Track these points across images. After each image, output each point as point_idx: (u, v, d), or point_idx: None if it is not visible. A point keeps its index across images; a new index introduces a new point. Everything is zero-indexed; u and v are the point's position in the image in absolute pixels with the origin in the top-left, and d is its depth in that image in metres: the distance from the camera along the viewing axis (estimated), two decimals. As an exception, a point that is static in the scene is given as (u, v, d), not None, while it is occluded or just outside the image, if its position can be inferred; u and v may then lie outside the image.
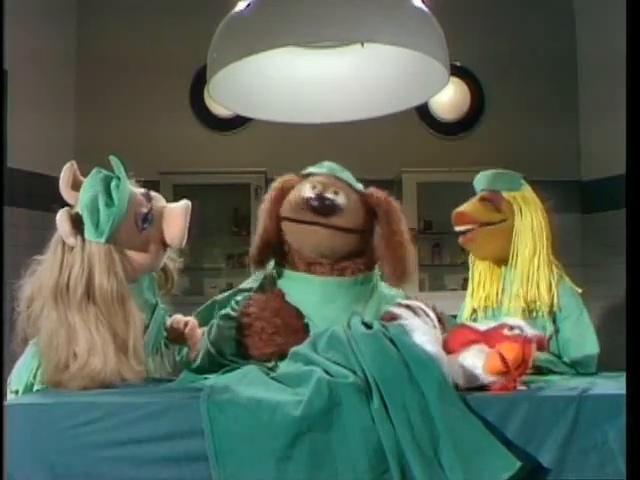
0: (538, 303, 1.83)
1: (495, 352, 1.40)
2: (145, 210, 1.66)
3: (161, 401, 1.41)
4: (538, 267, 1.86)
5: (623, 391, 1.39)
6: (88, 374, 1.53)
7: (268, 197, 1.95)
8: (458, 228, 1.98)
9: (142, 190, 1.72)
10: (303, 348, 1.59)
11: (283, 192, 1.93)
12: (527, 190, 1.99)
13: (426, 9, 2.11)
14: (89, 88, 5.25)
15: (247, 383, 1.48)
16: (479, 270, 2.01)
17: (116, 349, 1.54)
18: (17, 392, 1.67)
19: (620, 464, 1.32)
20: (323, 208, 1.82)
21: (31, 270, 1.61)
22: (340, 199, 1.85)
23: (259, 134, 4.98)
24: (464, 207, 2.01)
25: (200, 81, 4.51)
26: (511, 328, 1.46)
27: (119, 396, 1.46)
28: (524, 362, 1.42)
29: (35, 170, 4.38)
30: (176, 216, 1.71)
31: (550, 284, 1.85)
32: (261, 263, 1.96)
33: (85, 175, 1.67)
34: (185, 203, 1.73)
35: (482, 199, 1.98)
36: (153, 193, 1.74)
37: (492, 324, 1.53)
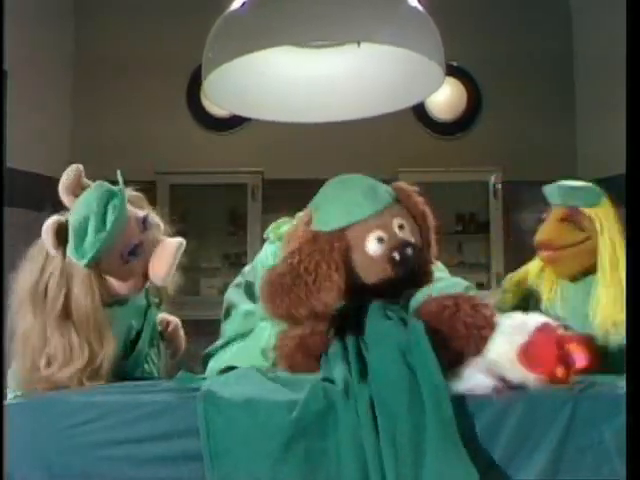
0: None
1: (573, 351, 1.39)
2: (135, 242, 1.59)
3: (159, 400, 1.41)
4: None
5: (620, 391, 1.39)
6: (55, 381, 1.52)
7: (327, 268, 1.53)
8: (544, 253, 1.89)
9: (141, 215, 1.63)
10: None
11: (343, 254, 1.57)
12: (607, 204, 1.88)
13: (422, 9, 2.11)
14: (86, 88, 5.26)
15: (244, 384, 1.47)
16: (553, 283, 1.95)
17: (87, 363, 1.53)
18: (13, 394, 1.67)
19: (616, 464, 1.32)
20: (406, 258, 1.57)
21: (19, 268, 1.60)
22: (407, 233, 1.62)
23: (256, 134, 4.98)
24: (546, 232, 1.88)
25: (197, 81, 4.51)
26: (564, 327, 1.45)
27: (117, 395, 1.46)
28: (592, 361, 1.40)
29: (32, 170, 4.38)
30: (166, 255, 1.62)
31: None
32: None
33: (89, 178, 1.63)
34: (178, 241, 1.64)
35: (562, 219, 1.86)
36: (152, 220, 1.66)
37: (531, 319, 1.48)
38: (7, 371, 1.72)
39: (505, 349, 1.41)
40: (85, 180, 1.62)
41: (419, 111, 5.26)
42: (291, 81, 2.42)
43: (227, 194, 5.06)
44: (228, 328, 2.02)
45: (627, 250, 1.73)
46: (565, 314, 1.86)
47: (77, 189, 1.60)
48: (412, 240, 1.61)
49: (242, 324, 1.99)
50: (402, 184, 1.72)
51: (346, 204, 1.61)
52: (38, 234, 1.60)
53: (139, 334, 1.74)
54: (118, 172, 1.60)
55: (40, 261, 1.56)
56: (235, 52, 2.05)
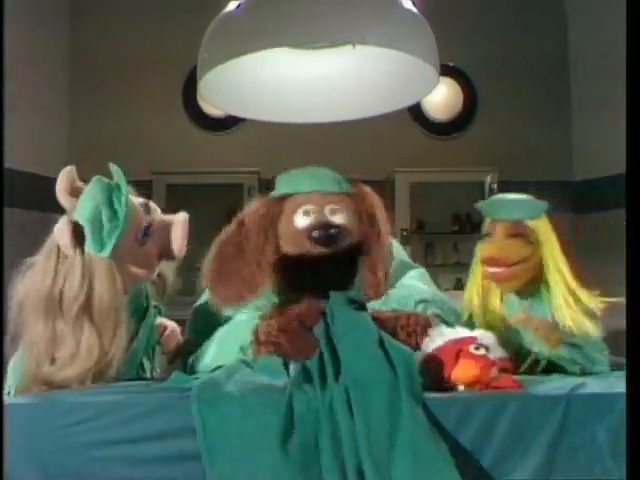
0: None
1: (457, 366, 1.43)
2: (145, 224, 1.65)
3: (154, 400, 1.41)
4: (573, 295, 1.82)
5: (612, 390, 1.40)
6: (57, 381, 1.53)
7: (254, 227, 1.72)
8: (490, 270, 1.84)
9: (141, 200, 1.70)
10: None
11: (272, 220, 1.73)
12: (543, 216, 1.86)
13: (416, 11, 2.12)
14: (83, 88, 5.26)
15: (237, 380, 1.48)
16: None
17: (95, 362, 1.54)
18: (9, 394, 1.67)
19: (609, 463, 1.33)
20: (326, 237, 1.65)
21: (22, 273, 1.59)
22: (338, 219, 1.69)
23: (252, 134, 4.98)
24: (497, 249, 1.83)
25: (193, 81, 4.47)
26: (478, 347, 1.46)
27: (112, 395, 1.46)
28: (478, 382, 1.42)
29: (29, 170, 4.37)
30: (179, 229, 1.71)
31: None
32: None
33: (82, 179, 1.64)
34: (184, 215, 1.74)
35: (511, 235, 1.82)
36: (152, 204, 1.72)
37: (465, 333, 1.54)
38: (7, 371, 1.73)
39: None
40: (78, 183, 1.64)
41: (415, 111, 5.27)
42: (287, 82, 2.43)
43: (223, 194, 5.05)
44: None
45: (627, 250, 1.73)
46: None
47: (75, 189, 1.62)
48: (341, 226, 1.65)
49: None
50: (364, 186, 1.79)
51: (294, 176, 1.76)
52: (37, 234, 1.61)
53: (136, 333, 1.74)
54: (111, 165, 1.63)
55: (51, 266, 1.56)
56: (230, 53, 2.05)
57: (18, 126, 4.04)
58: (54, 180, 1.62)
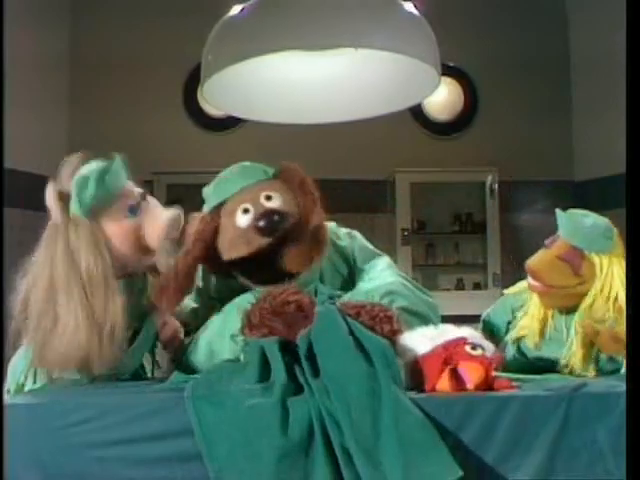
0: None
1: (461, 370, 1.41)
2: (132, 203, 1.68)
3: (153, 401, 1.41)
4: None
5: (613, 390, 1.40)
6: (64, 354, 1.55)
7: (193, 247, 1.71)
8: (530, 280, 1.84)
9: (140, 189, 1.73)
10: None
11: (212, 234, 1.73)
12: (615, 248, 1.79)
13: (417, 14, 2.13)
14: (82, 88, 5.26)
15: (231, 376, 1.48)
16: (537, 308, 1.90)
17: (91, 333, 1.55)
18: (8, 391, 1.67)
19: (609, 463, 1.33)
20: (271, 224, 1.66)
21: (24, 271, 1.61)
22: (276, 203, 1.70)
23: (253, 134, 4.98)
24: (539, 263, 1.81)
25: (193, 81, 4.51)
26: (473, 347, 1.45)
27: (111, 396, 1.47)
28: (485, 385, 1.41)
29: (28, 170, 4.37)
30: (162, 221, 1.71)
31: None
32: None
33: None
34: (175, 211, 1.74)
35: (560, 258, 1.79)
36: (151, 198, 1.75)
37: (448, 331, 1.52)
38: (7, 370, 1.74)
39: (410, 356, 1.47)
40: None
41: (416, 111, 5.27)
42: (289, 83, 2.44)
43: (224, 194, 5.05)
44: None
45: (627, 250, 1.73)
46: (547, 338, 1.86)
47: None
48: (280, 209, 1.66)
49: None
50: (287, 162, 1.80)
51: (219, 183, 1.77)
52: (37, 234, 1.62)
53: (136, 333, 1.75)
54: (115, 155, 1.70)
55: (48, 251, 1.60)
56: (234, 57, 2.07)
57: (18, 126, 4.04)
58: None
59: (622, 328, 1.64)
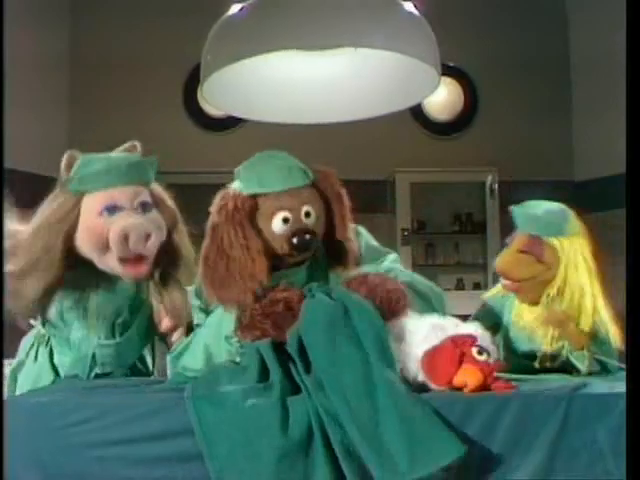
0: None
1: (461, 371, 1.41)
2: (116, 204, 1.65)
3: (153, 401, 1.42)
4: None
5: (613, 390, 1.40)
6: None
7: (227, 225, 1.77)
8: (502, 281, 1.86)
9: (146, 198, 1.77)
10: None
11: (249, 214, 1.75)
12: (574, 231, 1.83)
13: (417, 14, 2.13)
14: (82, 88, 5.26)
15: (229, 376, 1.49)
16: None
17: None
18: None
19: (609, 464, 1.33)
20: (304, 244, 1.70)
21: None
22: (312, 221, 1.72)
23: (253, 134, 4.97)
24: (504, 262, 1.83)
25: (193, 81, 4.51)
26: (481, 352, 1.44)
27: (111, 396, 1.47)
28: (482, 389, 1.41)
29: (27, 170, 4.37)
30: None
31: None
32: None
33: None
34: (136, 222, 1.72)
35: (521, 250, 1.80)
36: (155, 214, 1.79)
37: (460, 325, 1.52)
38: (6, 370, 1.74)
39: (415, 352, 1.45)
40: None
41: (416, 111, 5.27)
42: (289, 83, 2.44)
43: (224, 194, 5.05)
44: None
45: (627, 250, 1.73)
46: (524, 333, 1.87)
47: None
48: (313, 229, 1.71)
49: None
50: (321, 166, 1.82)
51: (261, 173, 1.80)
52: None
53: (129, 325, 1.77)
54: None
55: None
56: (233, 56, 2.07)
57: (18, 126, 4.04)
58: (54, 180, 1.64)
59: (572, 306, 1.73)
